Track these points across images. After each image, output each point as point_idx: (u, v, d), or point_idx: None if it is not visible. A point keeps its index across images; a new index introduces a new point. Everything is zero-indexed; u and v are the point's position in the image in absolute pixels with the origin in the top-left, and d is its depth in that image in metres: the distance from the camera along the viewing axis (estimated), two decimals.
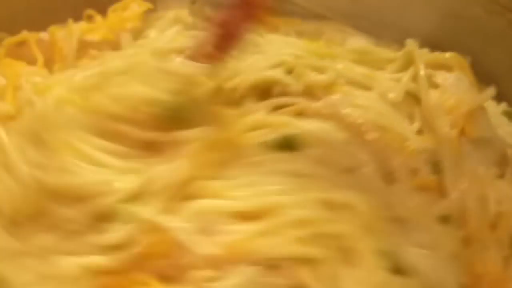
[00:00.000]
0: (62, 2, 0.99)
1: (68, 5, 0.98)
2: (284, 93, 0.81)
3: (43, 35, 0.90)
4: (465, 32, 0.89)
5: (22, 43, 0.89)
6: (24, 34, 0.90)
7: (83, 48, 0.87)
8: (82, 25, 0.93)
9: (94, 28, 0.92)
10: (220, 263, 0.65)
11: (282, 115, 0.78)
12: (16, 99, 0.77)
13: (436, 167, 0.78)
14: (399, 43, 0.91)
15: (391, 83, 0.86)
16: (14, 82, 0.79)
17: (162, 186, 0.68)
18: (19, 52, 0.87)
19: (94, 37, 0.90)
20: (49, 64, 0.84)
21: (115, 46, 0.90)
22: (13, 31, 0.94)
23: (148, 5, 0.98)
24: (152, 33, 0.95)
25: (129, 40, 0.91)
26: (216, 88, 0.75)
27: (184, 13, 1.01)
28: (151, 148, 0.71)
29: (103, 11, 0.98)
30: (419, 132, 0.82)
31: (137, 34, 0.94)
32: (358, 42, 1.01)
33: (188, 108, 0.72)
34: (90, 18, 0.96)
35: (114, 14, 0.95)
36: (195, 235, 0.65)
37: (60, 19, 0.94)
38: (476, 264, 0.71)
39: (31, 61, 0.86)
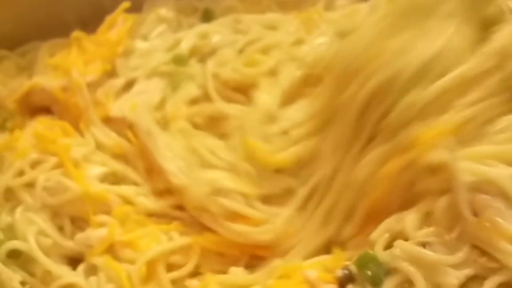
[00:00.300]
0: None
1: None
2: None
3: (46, 83, 0.93)
4: None
5: (29, 94, 0.93)
6: (26, 86, 0.93)
7: (89, 91, 0.92)
8: (76, 59, 0.95)
9: (89, 60, 0.95)
10: None
11: None
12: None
13: None
14: None
15: None
16: (67, 156, 0.85)
17: None
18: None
19: (91, 73, 0.93)
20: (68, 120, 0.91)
21: (112, 73, 0.95)
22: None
23: (133, 17, 1.00)
24: (138, 43, 1.00)
25: (123, 65, 0.96)
26: None
27: (164, 11, 1.05)
28: None
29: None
30: None
31: (128, 50, 0.98)
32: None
33: None
34: (78, 41, 0.98)
35: (103, 37, 0.98)
36: None
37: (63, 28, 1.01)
38: None
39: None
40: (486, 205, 0.68)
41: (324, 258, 0.75)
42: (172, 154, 0.83)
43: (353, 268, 0.71)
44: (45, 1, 1.05)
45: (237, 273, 0.77)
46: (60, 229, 0.85)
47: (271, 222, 0.78)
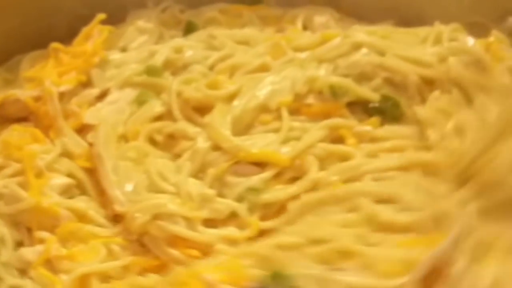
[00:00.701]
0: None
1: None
2: None
3: (20, 94, 0.94)
4: None
5: (4, 105, 0.95)
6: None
7: (62, 101, 0.93)
8: (51, 70, 0.96)
9: (64, 72, 0.96)
10: None
11: None
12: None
13: None
14: None
15: None
16: (31, 165, 0.85)
17: None
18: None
19: (65, 83, 0.94)
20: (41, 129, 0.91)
21: (87, 84, 0.96)
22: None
23: (108, 29, 1.00)
24: (114, 54, 1.01)
25: (99, 75, 0.96)
26: None
27: (142, 22, 1.06)
28: None
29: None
30: None
31: (104, 61, 0.98)
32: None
33: None
34: (55, 52, 0.99)
35: (80, 49, 0.98)
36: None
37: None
38: None
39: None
40: None
41: (221, 261, 0.75)
42: (118, 178, 0.83)
43: (264, 282, 0.71)
44: (36, 16, 1.06)
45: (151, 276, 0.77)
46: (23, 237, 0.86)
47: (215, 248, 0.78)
